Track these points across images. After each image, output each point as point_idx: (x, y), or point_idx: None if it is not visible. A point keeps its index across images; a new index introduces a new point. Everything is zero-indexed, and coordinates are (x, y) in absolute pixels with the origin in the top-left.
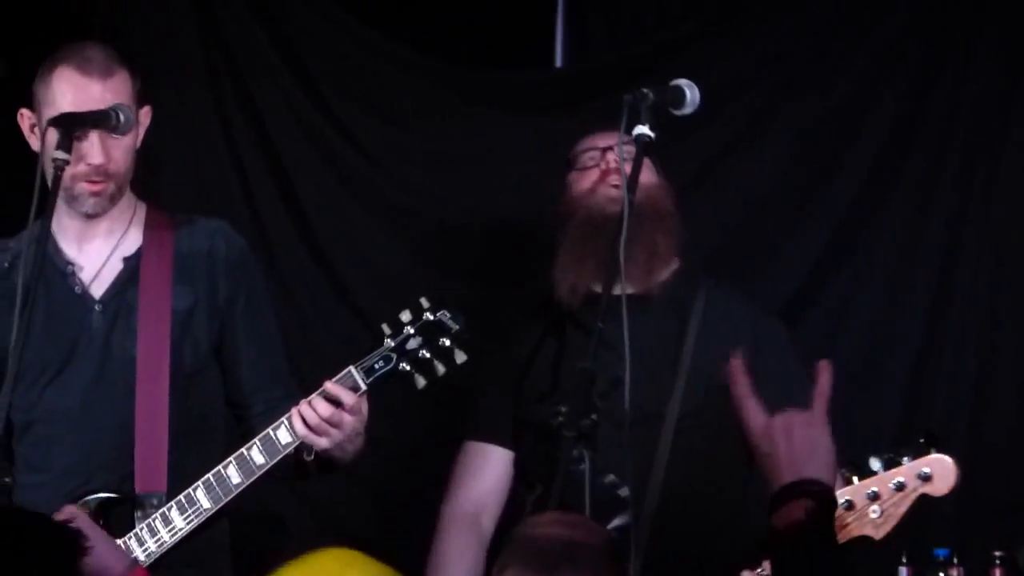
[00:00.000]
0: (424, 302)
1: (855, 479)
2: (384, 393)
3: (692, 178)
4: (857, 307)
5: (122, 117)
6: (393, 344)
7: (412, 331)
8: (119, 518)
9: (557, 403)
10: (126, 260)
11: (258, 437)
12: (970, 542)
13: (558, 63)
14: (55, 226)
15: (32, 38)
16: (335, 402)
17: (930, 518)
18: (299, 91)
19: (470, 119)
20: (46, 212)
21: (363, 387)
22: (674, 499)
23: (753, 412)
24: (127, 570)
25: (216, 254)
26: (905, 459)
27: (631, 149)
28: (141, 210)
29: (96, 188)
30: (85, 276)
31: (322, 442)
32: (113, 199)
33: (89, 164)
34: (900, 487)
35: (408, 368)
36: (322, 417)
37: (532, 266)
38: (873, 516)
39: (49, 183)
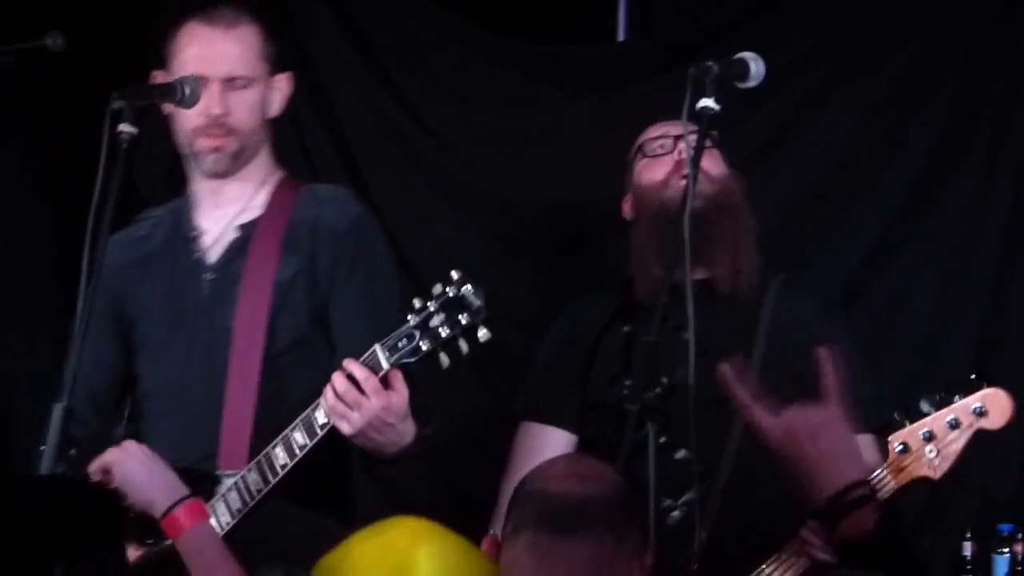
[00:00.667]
0: (453, 274)
1: (907, 422)
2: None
3: (748, 159)
4: (915, 292)
5: (187, 90)
6: (416, 321)
7: (434, 308)
8: (204, 492)
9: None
10: (242, 227)
11: (300, 417)
12: None
13: (620, 34)
14: (194, 192)
15: (90, 15)
16: (352, 379)
17: (994, 494)
18: (364, 69)
19: (534, 96)
20: (111, 185)
21: (385, 366)
22: (743, 476)
23: (764, 417)
24: (175, 503)
25: (321, 222)
26: (957, 397)
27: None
28: (275, 177)
29: (215, 143)
30: (205, 242)
31: (343, 425)
32: (236, 158)
33: (208, 115)
34: (955, 424)
35: (430, 347)
36: (337, 393)
37: (597, 243)
38: (930, 456)
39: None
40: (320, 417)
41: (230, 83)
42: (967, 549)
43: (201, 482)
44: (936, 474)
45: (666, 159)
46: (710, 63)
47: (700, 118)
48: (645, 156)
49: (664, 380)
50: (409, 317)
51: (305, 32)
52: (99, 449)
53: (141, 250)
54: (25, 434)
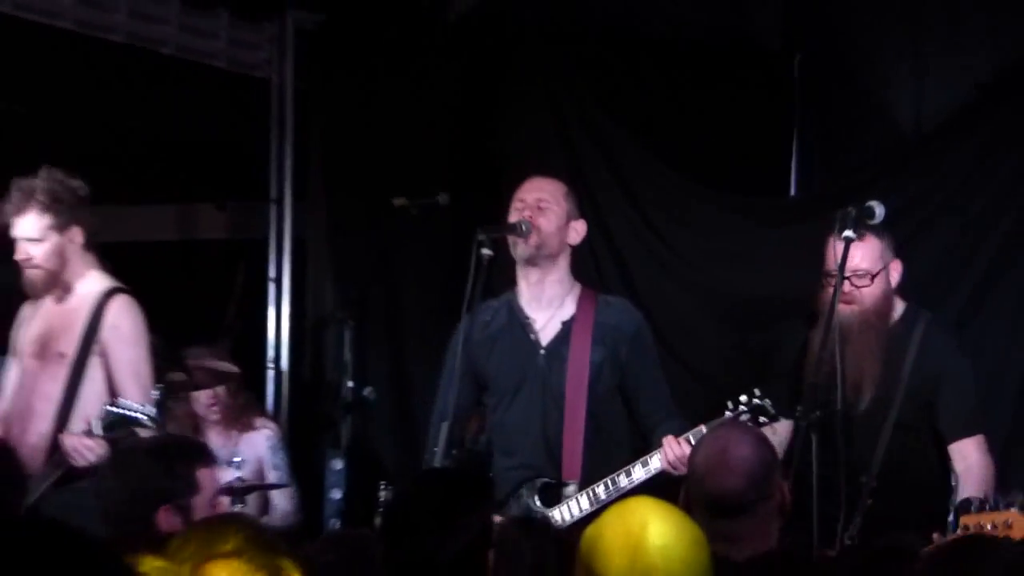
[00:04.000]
0: (757, 391)
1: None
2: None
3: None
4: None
5: (524, 227)
6: (731, 417)
7: (745, 410)
8: (553, 495)
9: (798, 402)
10: (564, 323)
11: (640, 459)
12: None
13: (792, 189)
14: (521, 289)
15: (464, 181)
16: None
17: None
18: (634, 213)
19: (742, 228)
20: (477, 287)
21: None
22: (888, 479)
23: None
24: None
25: (620, 326)
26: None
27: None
28: (576, 288)
29: (523, 239)
30: (536, 327)
31: (672, 472)
32: (539, 250)
33: (522, 216)
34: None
35: None
36: (671, 460)
37: (782, 317)
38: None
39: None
40: (655, 463)
41: (538, 202)
42: None
43: (554, 486)
44: None
45: (829, 289)
46: (850, 208)
47: (844, 242)
48: (823, 278)
49: (818, 412)
50: (728, 413)
51: (596, 191)
52: (468, 453)
53: (487, 331)
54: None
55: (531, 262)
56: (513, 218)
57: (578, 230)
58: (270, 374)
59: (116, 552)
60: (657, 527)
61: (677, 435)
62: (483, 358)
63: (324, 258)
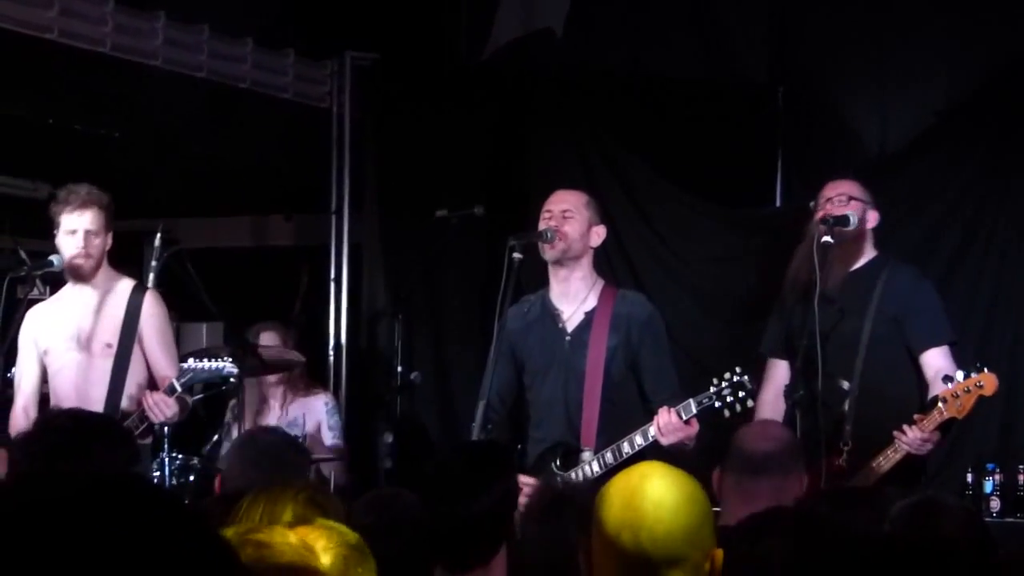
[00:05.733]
0: (738, 369)
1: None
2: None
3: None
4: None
5: (550, 234)
6: (715, 391)
7: (726, 386)
8: (571, 460)
9: (802, 336)
10: (586, 314)
11: (639, 429)
12: None
13: (778, 200)
14: (552, 286)
15: (497, 193)
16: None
17: (985, 447)
18: (642, 223)
19: (730, 235)
20: (509, 286)
21: (693, 411)
22: (868, 388)
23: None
24: None
25: (632, 316)
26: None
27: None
28: (599, 283)
29: (551, 247)
30: (564, 318)
31: (663, 440)
32: (565, 253)
33: (547, 226)
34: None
35: (720, 406)
36: (662, 425)
37: (764, 310)
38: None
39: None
40: (651, 431)
41: (563, 213)
42: (969, 477)
43: (573, 452)
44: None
45: (819, 211)
46: (829, 217)
47: (819, 248)
48: (815, 209)
49: (802, 392)
50: (711, 388)
51: (609, 205)
52: (504, 426)
53: (525, 319)
54: (464, 419)
55: (558, 263)
56: (541, 226)
57: (599, 234)
58: (331, 360)
59: (206, 519)
60: (654, 482)
61: (670, 407)
62: (520, 344)
63: (377, 261)
